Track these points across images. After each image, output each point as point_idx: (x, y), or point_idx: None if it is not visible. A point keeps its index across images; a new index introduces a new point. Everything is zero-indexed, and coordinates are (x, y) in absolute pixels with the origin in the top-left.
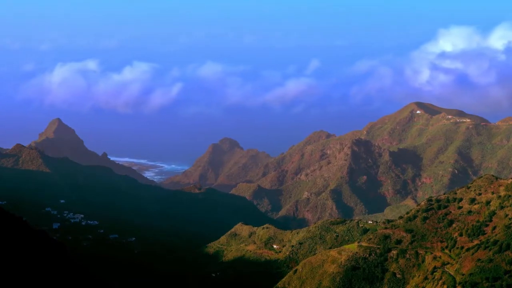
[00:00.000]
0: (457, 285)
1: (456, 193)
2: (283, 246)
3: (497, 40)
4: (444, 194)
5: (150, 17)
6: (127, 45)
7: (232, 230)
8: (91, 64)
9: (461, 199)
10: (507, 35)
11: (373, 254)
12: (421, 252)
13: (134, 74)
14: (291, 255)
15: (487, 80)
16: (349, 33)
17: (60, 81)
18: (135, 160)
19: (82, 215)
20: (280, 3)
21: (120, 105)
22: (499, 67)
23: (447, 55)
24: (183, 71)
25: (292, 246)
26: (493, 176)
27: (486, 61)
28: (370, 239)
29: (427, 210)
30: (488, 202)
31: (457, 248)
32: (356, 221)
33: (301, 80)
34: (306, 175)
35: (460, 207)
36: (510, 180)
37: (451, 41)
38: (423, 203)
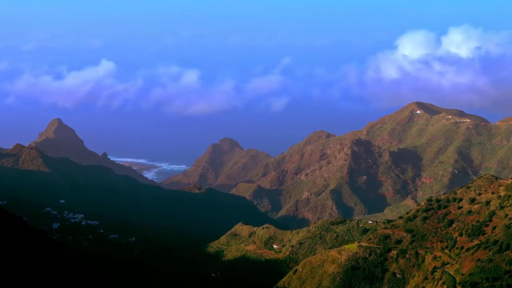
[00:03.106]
0: (457, 285)
1: (456, 193)
2: (283, 246)
3: (456, 44)
4: (444, 194)
5: (141, 16)
6: (113, 45)
7: (232, 230)
8: (61, 66)
9: (461, 199)
10: (464, 39)
11: (373, 254)
12: (421, 252)
13: (99, 73)
14: (291, 255)
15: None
16: (334, 32)
17: (27, 82)
18: (135, 160)
19: (82, 215)
20: (271, 3)
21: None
22: (462, 70)
23: (408, 59)
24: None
25: (292, 246)
26: (493, 176)
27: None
28: (370, 239)
29: (427, 210)
30: (488, 202)
31: (457, 248)
32: (356, 221)
33: (268, 78)
34: (306, 175)
35: (460, 207)
36: (510, 180)
37: (409, 46)
38: (423, 203)
